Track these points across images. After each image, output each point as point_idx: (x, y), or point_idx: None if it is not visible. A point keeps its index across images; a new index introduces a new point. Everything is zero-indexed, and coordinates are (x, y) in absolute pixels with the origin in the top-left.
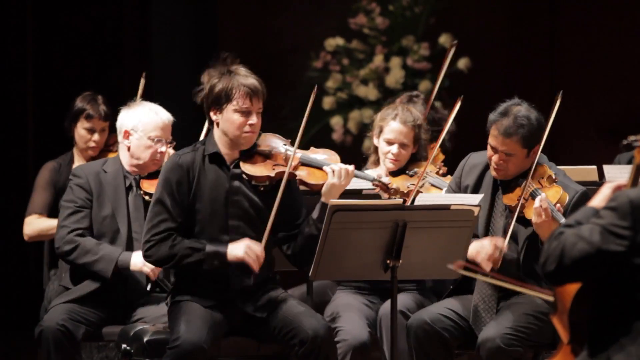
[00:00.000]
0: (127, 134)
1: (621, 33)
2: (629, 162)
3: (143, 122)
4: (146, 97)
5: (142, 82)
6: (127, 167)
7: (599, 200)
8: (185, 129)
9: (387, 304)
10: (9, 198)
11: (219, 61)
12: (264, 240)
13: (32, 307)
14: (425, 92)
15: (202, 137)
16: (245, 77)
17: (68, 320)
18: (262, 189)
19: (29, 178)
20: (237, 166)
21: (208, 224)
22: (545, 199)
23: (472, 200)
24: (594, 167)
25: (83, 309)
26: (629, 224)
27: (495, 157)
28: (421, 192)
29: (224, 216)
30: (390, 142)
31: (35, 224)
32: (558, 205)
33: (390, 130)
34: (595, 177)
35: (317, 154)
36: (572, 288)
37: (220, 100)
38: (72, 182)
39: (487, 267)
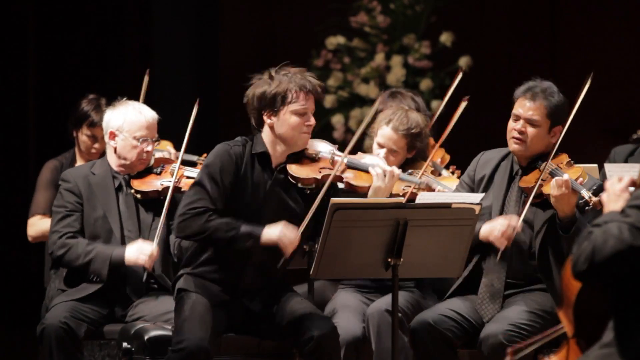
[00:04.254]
0: (112, 135)
1: (622, 32)
2: (627, 157)
3: (128, 122)
4: (149, 96)
5: (146, 79)
6: (115, 168)
7: (618, 203)
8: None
9: (376, 303)
10: (11, 197)
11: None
12: (301, 228)
13: (34, 306)
14: (427, 90)
15: (188, 130)
16: (302, 78)
17: (70, 318)
18: (308, 192)
19: (31, 177)
20: (282, 171)
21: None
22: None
23: (473, 198)
24: (595, 165)
25: (85, 307)
26: None
27: (517, 124)
28: (415, 193)
29: (258, 217)
30: (380, 146)
31: (38, 225)
32: (580, 179)
33: (382, 134)
34: (596, 175)
35: (364, 158)
36: (578, 282)
37: (275, 103)
38: (61, 187)
39: (500, 244)
